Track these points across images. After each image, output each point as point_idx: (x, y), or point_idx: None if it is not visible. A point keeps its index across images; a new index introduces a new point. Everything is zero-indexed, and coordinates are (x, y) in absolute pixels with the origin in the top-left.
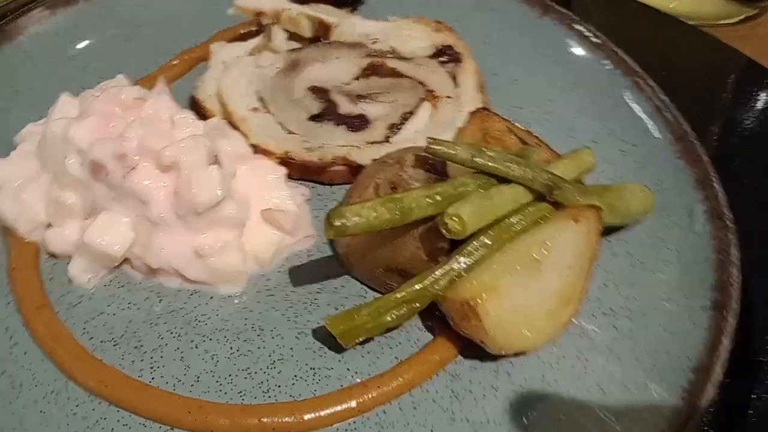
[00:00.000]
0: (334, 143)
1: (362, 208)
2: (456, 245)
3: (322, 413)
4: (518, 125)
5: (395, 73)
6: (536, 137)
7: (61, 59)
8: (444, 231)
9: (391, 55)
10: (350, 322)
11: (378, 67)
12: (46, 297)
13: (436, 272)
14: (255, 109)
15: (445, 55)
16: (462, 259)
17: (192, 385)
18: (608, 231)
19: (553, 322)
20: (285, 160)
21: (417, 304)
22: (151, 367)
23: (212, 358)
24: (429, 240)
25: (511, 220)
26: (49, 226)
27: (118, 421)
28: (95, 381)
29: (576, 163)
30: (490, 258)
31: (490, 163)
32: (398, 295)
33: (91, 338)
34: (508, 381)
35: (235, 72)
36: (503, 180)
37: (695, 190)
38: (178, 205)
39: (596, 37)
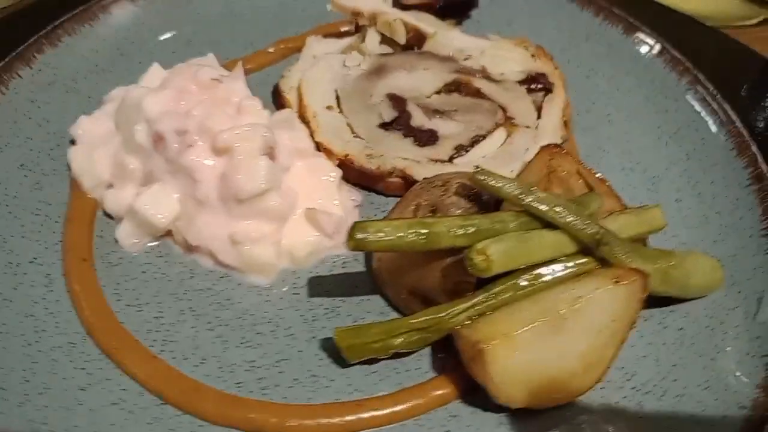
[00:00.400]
0: (396, 154)
1: (387, 225)
2: (483, 283)
3: (308, 422)
4: (591, 169)
5: (478, 94)
6: (608, 186)
7: (168, 32)
8: (468, 266)
9: (479, 75)
10: (358, 338)
11: (462, 85)
12: (90, 252)
13: (457, 306)
14: (329, 107)
15: (537, 82)
16: (485, 298)
17: (195, 366)
18: (666, 300)
19: (571, 386)
20: (344, 163)
21: (430, 335)
22: (164, 340)
23: (222, 344)
24: (455, 272)
25: (548, 269)
26: (109, 186)
27: (119, 385)
28: (110, 341)
29: (640, 221)
30: (513, 304)
31: (536, 204)
32: (412, 321)
33: (119, 300)
34: None
35: (321, 67)
36: (550, 225)
37: None
38: (223, 189)
39: (711, 92)
